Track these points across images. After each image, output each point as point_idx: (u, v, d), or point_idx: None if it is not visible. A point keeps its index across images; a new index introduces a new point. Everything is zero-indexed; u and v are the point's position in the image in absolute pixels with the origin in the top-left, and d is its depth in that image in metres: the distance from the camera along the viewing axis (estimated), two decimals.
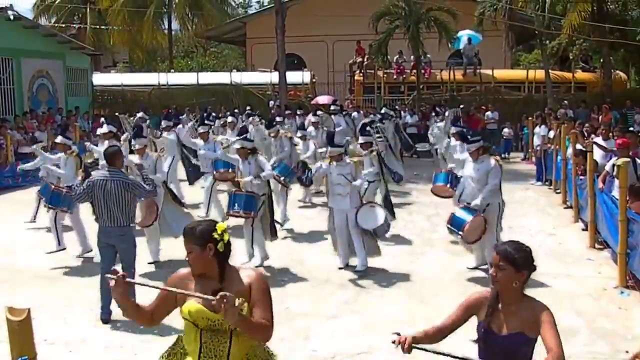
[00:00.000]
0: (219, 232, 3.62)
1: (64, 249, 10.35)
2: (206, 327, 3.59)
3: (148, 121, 18.92)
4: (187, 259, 3.66)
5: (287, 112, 21.41)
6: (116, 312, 7.68)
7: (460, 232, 8.80)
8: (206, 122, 14.34)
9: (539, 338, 3.59)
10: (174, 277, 3.79)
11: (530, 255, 3.70)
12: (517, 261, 3.62)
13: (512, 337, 3.60)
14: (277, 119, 17.89)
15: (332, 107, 19.54)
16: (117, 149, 8.15)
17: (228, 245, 3.66)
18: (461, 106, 22.81)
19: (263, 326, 3.54)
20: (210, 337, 3.60)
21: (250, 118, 18.29)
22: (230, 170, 11.73)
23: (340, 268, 9.61)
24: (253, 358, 3.70)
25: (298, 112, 21.14)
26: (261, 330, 3.55)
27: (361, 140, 11.13)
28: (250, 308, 3.58)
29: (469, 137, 10.25)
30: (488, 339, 3.66)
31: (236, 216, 9.52)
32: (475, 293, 3.88)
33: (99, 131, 13.03)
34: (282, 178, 11.97)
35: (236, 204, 9.37)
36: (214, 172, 12.14)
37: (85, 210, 10.95)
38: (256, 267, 9.46)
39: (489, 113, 24.22)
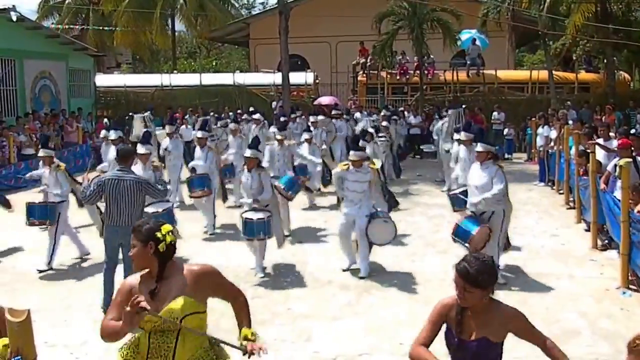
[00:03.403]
0: (163, 232, 3.79)
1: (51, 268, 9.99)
2: (152, 329, 3.73)
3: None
4: (130, 254, 3.85)
5: (295, 114, 21.22)
6: None
7: (467, 245, 8.52)
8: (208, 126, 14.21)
9: (525, 340, 3.65)
10: (122, 285, 3.94)
11: (492, 270, 3.63)
12: (482, 283, 3.56)
13: (477, 342, 3.60)
14: (282, 118, 17.84)
15: (334, 112, 19.40)
16: (133, 150, 8.33)
17: (170, 246, 3.81)
18: (463, 106, 22.78)
19: (245, 303, 4.02)
20: (157, 338, 3.74)
21: (255, 116, 18.22)
22: (205, 189, 11.67)
23: (344, 270, 9.52)
24: (203, 357, 3.79)
25: (298, 113, 21.11)
26: (246, 304, 4.02)
27: (352, 156, 9.32)
28: (217, 295, 3.93)
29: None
30: (459, 346, 3.65)
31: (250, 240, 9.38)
32: (445, 299, 3.82)
33: (103, 134, 12.93)
34: (288, 192, 11.67)
35: (250, 233, 9.16)
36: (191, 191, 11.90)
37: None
38: (261, 277, 9.40)
39: (495, 113, 24.17)
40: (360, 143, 10.74)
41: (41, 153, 10.13)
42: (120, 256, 7.78)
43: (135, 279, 3.89)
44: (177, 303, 3.68)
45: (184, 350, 3.73)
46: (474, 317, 3.63)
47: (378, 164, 10.94)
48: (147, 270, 3.83)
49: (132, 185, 7.56)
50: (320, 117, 17.87)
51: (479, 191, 8.73)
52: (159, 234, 3.77)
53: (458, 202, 10.34)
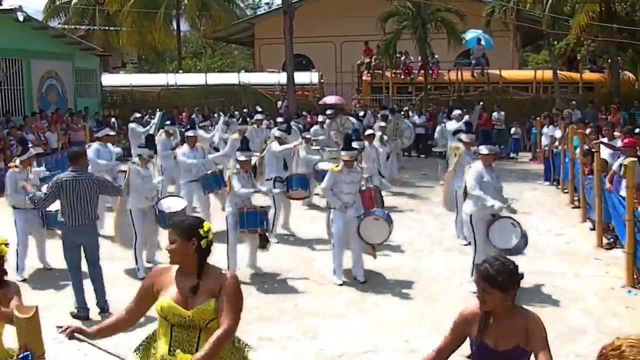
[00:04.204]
0: (205, 229, 3.78)
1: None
2: (177, 322, 3.72)
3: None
4: (167, 248, 3.80)
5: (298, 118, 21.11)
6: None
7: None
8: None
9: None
10: (154, 270, 4.01)
11: (514, 272, 3.57)
12: (502, 284, 3.50)
13: (510, 352, 3.54)
14: (278, 119, 17.83)
15: (328, 112, 19.13)
16: (83, 150, 8.49)
17: (210, 244, 3.82)
18: (481, 103, 22.68)
19: (220, 340, 3.64)
20: (180, 332, 3.73)
21: (256, 116, 18.17)
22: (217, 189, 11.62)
23: (340, 285, 9.00)
24: (222, 357, 3.79)
25: (303, 113, 21.08)
26: (221, 344, 3.66)
27: (345, 156, 9.20)
28: (218, 309, 3.72)
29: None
30: (483, 354, 3.59)
31: (252, 232, 9.32)
32: (464, 311, 3.75)
33: (100, 133, 12.76)
34: (306, 190, 11.77)
35: (246, 225, 9.13)
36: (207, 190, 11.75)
37: None
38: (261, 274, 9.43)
39: (495, 114, 24.10)
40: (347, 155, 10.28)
41: (36, 151, 9.95)
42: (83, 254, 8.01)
43: (166, 266, 3.92)
44: (211, 305, 3.68)
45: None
46: (498, 325, 3.57)
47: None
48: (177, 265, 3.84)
49: (89, 184, 7.74)
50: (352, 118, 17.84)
51: (498, 193, 8.62)
52: (201, 231, 3.76)
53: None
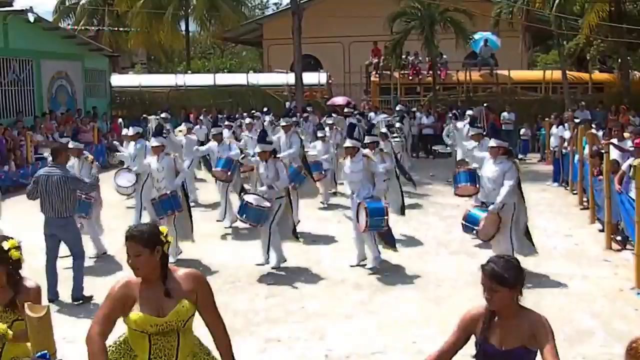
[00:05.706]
0: (164, 234, 3.75)
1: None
2: (155, 332, 3.69)
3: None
4: (130, 261, 3.69)
5: (305, 114, 21.20)
6: None
7: (476, 228, 8.90)
8: (220, 123, 14.29)
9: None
10: (119, 287, 3.76)
11: (519, 269, 3.59)
12: (509, 280, 3.51)
13: (514, 352, 3.53)
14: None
15: (346, 110, 19.43)
16: (63, 147, 9.01)
17: (168, 247, 3.79)
18: (485, 104, 22.66)
19: (229, 344, 3.87)
20: (159, 339, 3.71)
21: (267, 117, 18.27)
22: (228, 170, 11.81)
23: (351, 266, 9.75)
24: (198, 353, 3.89)
25: (307, 113, 21.16)
26: (227, 334, 3.89)
27: (367, 139, 10.78)
28: (199, 310, 3.79)
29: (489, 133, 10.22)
30: (487, 354, 3.58)
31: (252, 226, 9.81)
32: (471, 310, 3.75)
33: (125, 132, 13.15)
34: (291, 183, 11.71)
35: (244, 215, 9.47)
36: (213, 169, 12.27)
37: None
38: (272, 268, 9.57)
39: (505, 114, 23.96)
40: (368, 138, 11.08)
41: (71, 145, 10.25)
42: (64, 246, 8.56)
43: (126, 280, 3.79)
44: (184, 305, 3.68)
45: (186, 347, 3.77)
46: (504, 323, 3.57)
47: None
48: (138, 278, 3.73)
49: (59, 180, 8.16)
50: (336, 117, 17.96)
51: (490, 183, 9.02)
52: (162, 237, 3.72)
53: (463, 177, 10.96)
